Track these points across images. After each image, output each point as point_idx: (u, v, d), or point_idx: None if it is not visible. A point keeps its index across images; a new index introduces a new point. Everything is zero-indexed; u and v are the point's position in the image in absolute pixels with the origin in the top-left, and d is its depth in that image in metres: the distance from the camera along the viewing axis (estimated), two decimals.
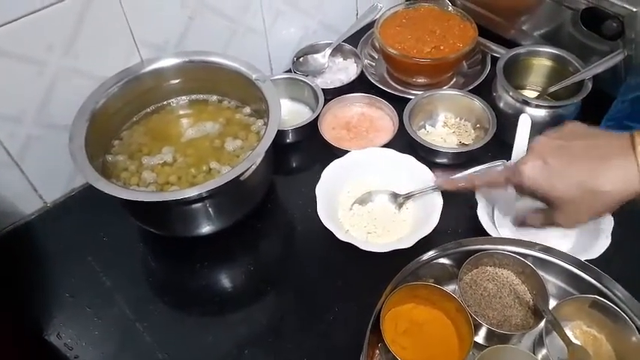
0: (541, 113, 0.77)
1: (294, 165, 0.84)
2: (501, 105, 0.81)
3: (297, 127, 0.82)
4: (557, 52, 0.83)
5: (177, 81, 0.76)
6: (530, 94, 0.84)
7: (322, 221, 0.68)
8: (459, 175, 0.66)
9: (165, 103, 0.78)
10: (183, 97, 0.78)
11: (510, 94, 0.79)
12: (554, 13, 0.85)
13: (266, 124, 0.72)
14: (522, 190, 0.56)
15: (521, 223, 0.64)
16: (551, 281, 0.61)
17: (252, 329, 0.65)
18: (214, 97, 0.79)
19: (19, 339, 0.65)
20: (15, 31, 0.62)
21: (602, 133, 0.55)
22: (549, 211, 0.58)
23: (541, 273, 0.59)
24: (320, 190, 0.72)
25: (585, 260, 0.59)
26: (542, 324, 0.56)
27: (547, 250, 0.60)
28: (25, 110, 0.68)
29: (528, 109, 0.77)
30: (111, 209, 0.70)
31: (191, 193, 0.60)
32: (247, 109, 0.77)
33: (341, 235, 0.67)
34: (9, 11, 0.61)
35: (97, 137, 0.68)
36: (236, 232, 0.72)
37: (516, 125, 0.73)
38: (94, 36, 0.69)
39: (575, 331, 0.59)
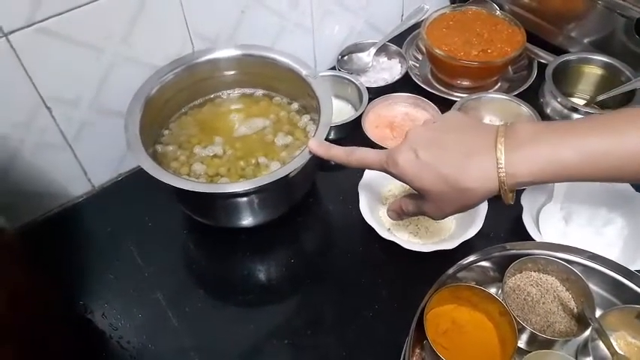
0: None
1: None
2: (548, 111, 0.80)
3: (341, 124, 0.82)
4: (609, 60, 0.82)
5: (230, 73, 0.77)
6: (577, 102, 0.83)
7: (365, 218, 0.69)
8: (337, 146, 0.63)
9: (215, 95, 0.78)
10: (234, 90, 0.79)
11: (559, 100, 0.78)
12: (605, 21, 0.83)
13: (313, 119, 0.74)
14: (395, 177, 0.56)
15: (394, 208, 0.62)
16: (595, 289, 0.60)
17: (291, 321, 0.65)
18: (264, 92, 0.79)
19: (67, 316, 0.67)
20: (78, 17, 0.63)
21: (475, 127, 0.54)
22: (420, 200, 0.57)
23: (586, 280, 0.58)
24: (362, 187, 0.72)
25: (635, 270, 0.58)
26: (587, 332, 0.56)
27: (594, 257, 0.59)
28: (82, 95, 0.70)
29: (576, 116, 0.76)
30: (156, 196, 0.72)
31: (244, 187, 0.61)
32: (295, 105, 0.78)
33: (383, 233, 0.67)
34: None
35: (149, 126, 0.69)
36: (278, 225, 0.73)
37: None
38: (151, 25, 0.70)
39: (619, 342, 0.58)
